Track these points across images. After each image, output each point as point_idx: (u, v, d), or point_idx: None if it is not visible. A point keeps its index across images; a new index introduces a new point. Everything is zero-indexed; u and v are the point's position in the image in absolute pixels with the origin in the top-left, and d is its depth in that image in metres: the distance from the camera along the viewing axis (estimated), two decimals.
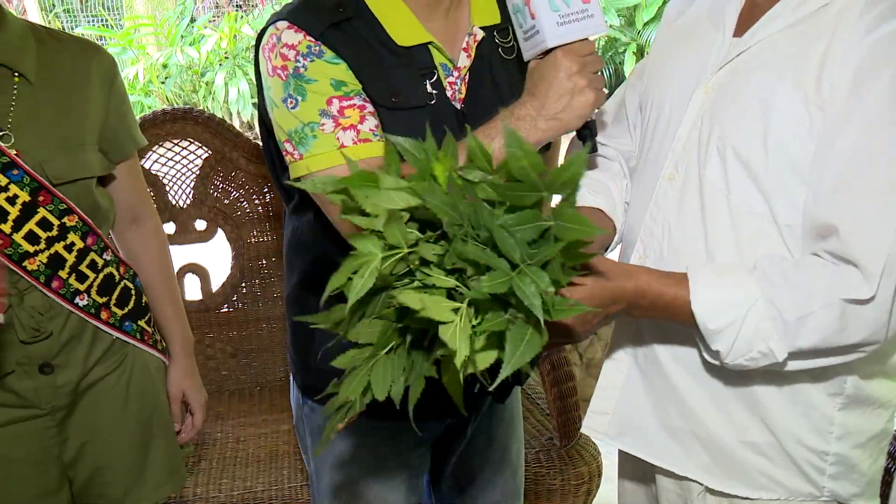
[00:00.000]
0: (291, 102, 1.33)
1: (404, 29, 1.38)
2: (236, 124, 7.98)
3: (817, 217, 1.08)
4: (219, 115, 7.93)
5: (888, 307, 1.04)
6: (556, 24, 1.20)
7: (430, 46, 1.39)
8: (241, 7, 9.05)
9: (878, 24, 1.06)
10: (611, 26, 7.35)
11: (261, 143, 1.56)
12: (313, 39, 1.33)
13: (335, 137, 1.31)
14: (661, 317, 1.12)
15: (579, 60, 1.22)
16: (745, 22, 1.22)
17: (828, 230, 1.06)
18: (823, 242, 1.07)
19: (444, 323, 0.84)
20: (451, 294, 0.88)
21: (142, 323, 1.54)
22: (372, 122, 1.34)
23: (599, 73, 1.26)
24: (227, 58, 8.03)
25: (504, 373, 0.82)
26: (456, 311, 0.85)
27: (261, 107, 1.47)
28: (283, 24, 1.35)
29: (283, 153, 1.37)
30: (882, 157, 1.04)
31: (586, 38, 1.22)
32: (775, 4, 1.17)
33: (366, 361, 0.94)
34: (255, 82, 1.47)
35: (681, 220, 1.22)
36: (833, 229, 1.05)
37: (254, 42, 6.84)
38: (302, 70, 1.33)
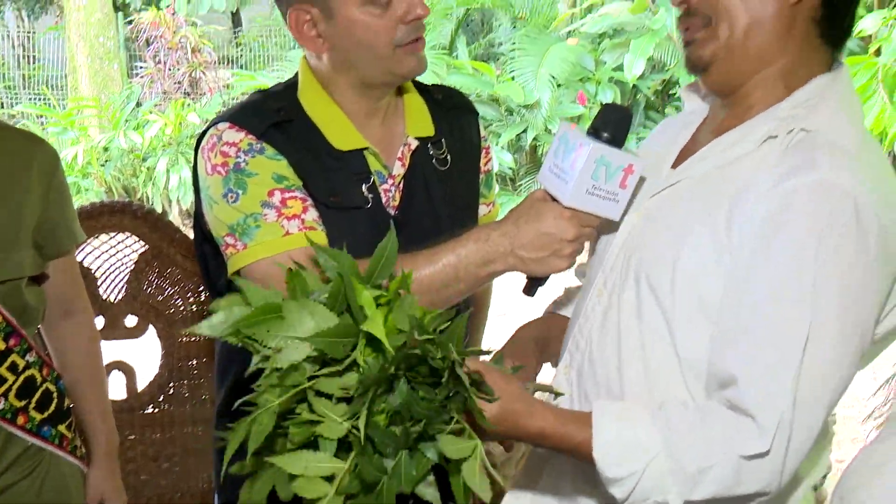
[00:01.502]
0: (232, 196, 1.35)
1: (341, 134, 1.42)
2: (176, 212, 7.91)
3: (719, 365, 1.11)
4: (159, 201, 7.92)
5: (781, 460, 1.06)
6: (584, 191, 1.17)
7: (365, 153, 1.43)
8: (189, 95, 9.10)
9: (787, 177, 1.10)
10: (554, 133, 7.57)
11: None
12: (255, 138, 1.38)
13: (279, 225, 1.33)
14: (565, 454, 1.14)
15: (579, 231, 1.22)
16: (684, 156, 1.27)
17: (728, 380, 1.09)
18: (724, 391, 1.10)
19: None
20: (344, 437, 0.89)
21: (62, 428, 1.48)
22: (314, 214, 1.37)
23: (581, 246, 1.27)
24: (170, 144, 8.02)
25: None
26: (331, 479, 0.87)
27: (196, 212, 1.48)
28: (224, 125, 1.40)
29: (224, 248, 1.37)
30: (780, 313, 1.08)
31: (598, 216, 1.21)
32: (706, 145, 1.23)
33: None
34: (192, 186, 1.48)
35: (601, 337, 1.24)
36: (733, 379, 1.08)
37: (199, 131, 6.91)
38: (243, 165, 1.36)
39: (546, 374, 1.36)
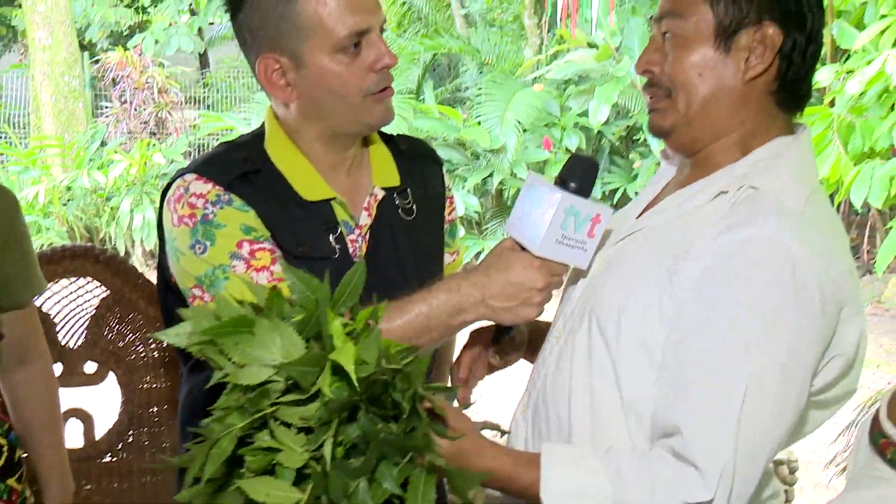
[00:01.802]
0: (200, 248, 1.35)
1: (309, 184, 1.43)
2: (139, 252, 7.83)
3: (664, 414, 1.15)
4: (122, 241, 7.83)
5: None
6: (554, 240, 1.19)
7: (333, 202, 1.44)
8: (154, 134, 9.07)
9: (726, 232, 1.15)
10: (519, 178, 7.65)
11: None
12: (222, 189, 1.37)
13: (249, 277, 1.33)
14: (514, 496, 1.17)
15: (548, 280, 1.24)
16: (649, 208, 1.33)
17: (673, 429, 1.13)
18: (669, 439, 1.13)
19: None
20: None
21: (11, 482, 1.45)
22: (283, 265, 1.36)
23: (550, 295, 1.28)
24: (135, 184, 7.96)
25: None
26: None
27: (160, 263, 1.47)
28: (190, 177, 1.40)
29: (191, 299, 1.37)
30: (720, 365, 1.12)
31: (567, 265, 1.23)
32: (665, 199, 1.29)
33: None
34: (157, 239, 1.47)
35: (555, 378, 1.27)
36: (677, 429, 1.12)
37: (164, 171, 6.83)
38: (211, 216, 1.36)
39: (507, 408, 1.38)
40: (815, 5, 1.23)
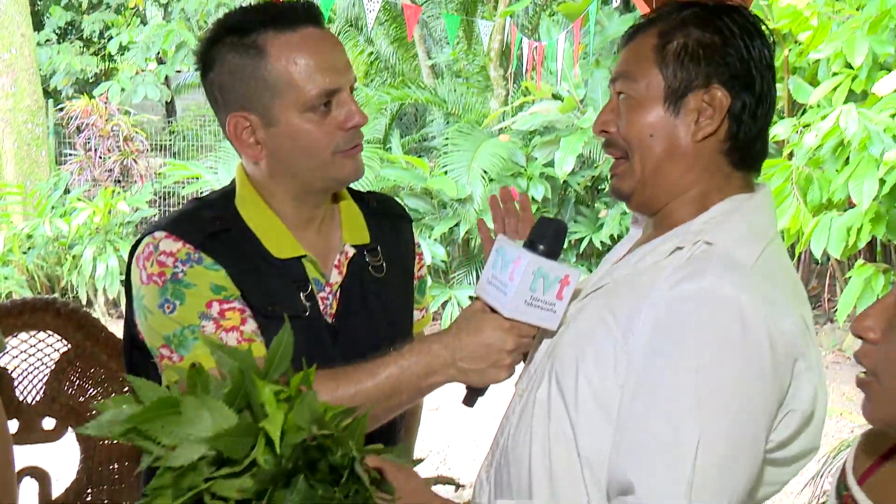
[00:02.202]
0: (169, 307, 1.34)
1: (279, 242, 1.43)
2: (102, 301, 7.71)
3: (618, 472, 1.14)
4: (84, 290, 7.71)
5: None
6: (523, 302, 1.20)
7: (303, 260, 1.44)
8: (119, 182, 9.00)
9: (677, 284, 1.17)
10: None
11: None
12: (193, 247, 1.37)
13: (218, 338, 1.32)
14: None
15: (518, 341, 1.24)
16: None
17: (627, 486, 1.13)
18: (624, 497, 1.13)
19: None
20: None
21: None
22: (253, 325, 1.36)
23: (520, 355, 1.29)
24: (98, 232, 7.87)
25: None
26: None
27: (127, 319, 1.45)
28: (160, 234, 1.39)
29: (159, 358, 1.36)
30: (671, 422, 1.12)
31: (536, 326, 1.24)
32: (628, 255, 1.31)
33: None
34: (125, 294, 1.45)
35: (516, 435, 1.28)
36: (631, 487, 1.12)
37: (129, 219, 6.73)
38: (181, 275, 1.35)
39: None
40: (765, 68, 1.26)
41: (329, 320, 1.45)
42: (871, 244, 5.65)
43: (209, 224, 1.41)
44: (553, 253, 1.21)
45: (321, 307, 1.44)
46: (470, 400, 1.31)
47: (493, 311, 1.23)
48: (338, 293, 1.46)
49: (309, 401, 0.91)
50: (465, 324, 1.26)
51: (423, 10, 8.41)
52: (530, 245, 1.21)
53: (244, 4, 1.48)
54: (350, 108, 1.38)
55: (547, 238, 1.22)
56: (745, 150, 1.27)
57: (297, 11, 1.38)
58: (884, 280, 4.97)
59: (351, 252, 1.48)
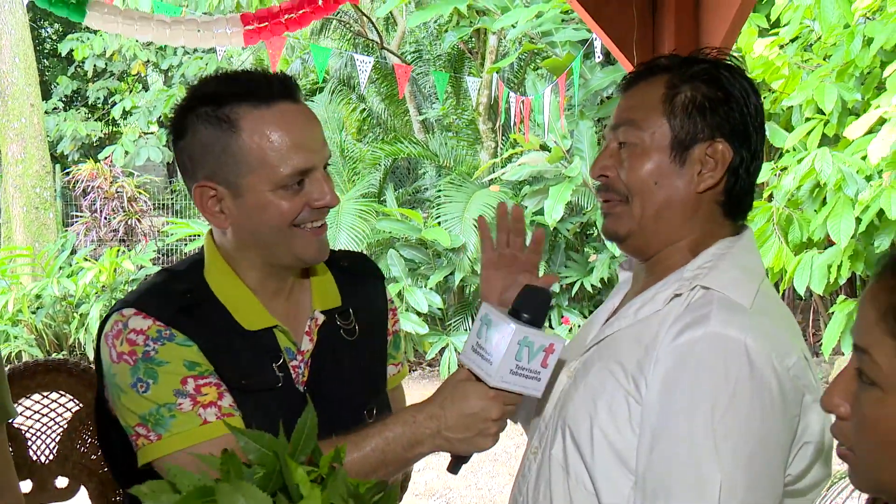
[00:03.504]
0: (142, 386, 1.28)
1: (249, 314, 1.37)
2: None
3: None
4: (91, 348, 7.66)
5: None
6: (508, 371, 1.17)
7: (275, 330, 1.37)
8: (124, 241, 9.01)
9: (682, 333, 1.17)
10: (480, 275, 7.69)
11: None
12: (163, 324, 1.30)
13: (196, 414, 1.27)
14: None
15: (503, 409, 1.21)
16: (612, 316, 1.33)
17: None
18: None
19: None
20: None
21: None
22: (229, 399, 1.31)
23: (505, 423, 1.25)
24: (104, 291, 7.86)
25: None
26: None
27: (99, 396, 1.39)
28: (129, 311, 1.32)
29: (134, 437, 1.30)
30: (692, 465, 1.11)
31: (521, 395, 1.21)
32: (624, 307, 1.30)
33: None
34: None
35: (535, 493, 1.26)
36: None
37: (133, 277, 6.66)
38: (152, 353, 1.29)
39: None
40: (759, 126, 1.28)
41: (301, 388, 1.39)
42: (851, 280, 5.68)
43: (179, 298, 1.34)
44: (537, 322, 1.18)
45: (294, 376, 1.38)
46: (454, 467, 1.27)
47: (478, 379, 1.20)
48: (309, 361, 1.40)
49: (341, 478, 0.90)
50: (450, 393, 1.22)
51: (412, 69, 8.52)
52: (515, 314, 1.18)
53: (219, 73, 1.38)
54: (322, 188, 1.32)
55: (531, 307, 1.19)
56: (738, 202, 1.28)
57: (273, 85, 1.31)
58: None
59: (321, 318, 1.42)
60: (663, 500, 1.12)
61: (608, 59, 7.16)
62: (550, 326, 7.48)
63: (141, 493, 0.90)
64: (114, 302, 7.61)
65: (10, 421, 2.10)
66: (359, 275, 1.53)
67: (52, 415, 2.24)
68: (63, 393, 2.25)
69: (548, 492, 1.23)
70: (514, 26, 7.35)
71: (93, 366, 2.33)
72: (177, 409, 1.27)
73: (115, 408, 1.33)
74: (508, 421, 1.29)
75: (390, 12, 8.98)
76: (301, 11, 3.01)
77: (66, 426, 2.24)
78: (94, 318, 7.63)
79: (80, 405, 2.26)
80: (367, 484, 0.93)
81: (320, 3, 3.05)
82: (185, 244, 8.99)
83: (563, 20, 7.50)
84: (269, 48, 4.92)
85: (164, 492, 0.89)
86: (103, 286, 7.87)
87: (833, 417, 0.96)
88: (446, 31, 9.24)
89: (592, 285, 7.44)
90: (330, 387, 1.41)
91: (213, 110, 1.30)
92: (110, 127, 12.12)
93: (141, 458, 1.28)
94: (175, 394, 1.27)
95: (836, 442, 0.95)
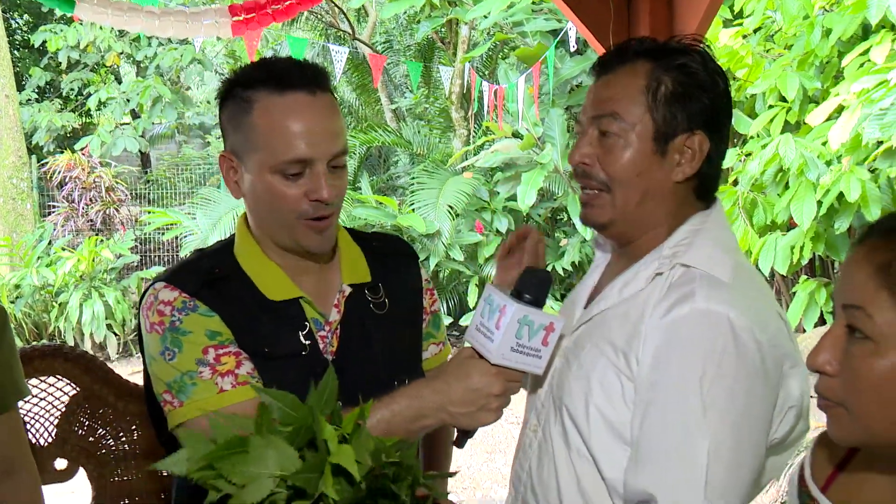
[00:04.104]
0: (169, 354, 1.34)
1: (275, 286, 1.42)
2: (88, 346, 7.60)
3: (636, 485, 1.18)
4: (71, 336, 7.59)
5: None
6: (509, 349, 1.19)
7: (301, 301, 1.42)
8: (101, 231, 8.91)
9: (669, 311, 1.20)
10: (454, 259, 7.72)
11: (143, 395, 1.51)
12: (188, 296, 1.37)
13: (213, 383, 1.31)
14: None
15: (505, 385, 1.24)
16: (593, 298, 1.37)
17: (648, 497, 1.16)
18: None
19: None
20: None
21: None
22: (248, 367, 1.35)
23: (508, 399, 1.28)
24: (83, 280, 7.77)
25: None
26: None
27: (144, 368, 1.45)
28: (160, 285, 1.40)
29: (163, 404, 1.35)
30: (678, 435, 1.16)
31: (522, 371, 1.23)
32: (606, 287, 1.33)
33: None
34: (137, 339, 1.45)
35: (539, 468, 1.29)
36: (652, 497, 1.16)
37: (112, 265, 6.65)
38: (178, 323, 1.35)
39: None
40: (729, 112, 1.31)
41: (330, 357, 1.43)
42: (812, 261, 5.79)
43: (206, 273, 1.40)
44: (538, 302, 1.21)
45: (321, 345, 1.42)
46: (461, 441, 1.30)
47: (482, 357, 1.23)
48: (337, 331, 1.44)
49: (366, 435, 0.93)
50: (454, 370, 1.25)
51: (386, 59, 8.49)
52: (517, 295, 1.21)
53: (261, 59, 1.44)
54: (319, 182, 1.34)
55: (532, 287, 1.21)
56: (709, 184, 1.32)
57: (293, 75, 1.36)
58: (825, 293, 5.10)
59: (348, 291, 1.46)
60: (653, 465, 1.16)
61: (579, 50, 7.20)
62: None
63: (182, 437, 0.93)
64: (93, 291, 7.52)
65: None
66: (391, 254, 1.57)
67: (50, 398, 2.24)
68: (60, 377, 2.24)
69: (552, 466, 1.27)
70: (486, 16, 7.35)
71: (89, 351, 2.33)
72: (197, 377, 1.32)
73: (151, 375, 1.38)
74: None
75: (362, 4, 8.94)
76: (287, 2, 3.01)
77: (63, 409, 2.24)
78: (74, 306, 7.55)
79: (77, 389, 2.26)
80: (390, 441, 0.96)
81: None
82: (163, 233, 8.91)
83: (533, 10, 7.52)
84: (245, 39, 4.89)
85: (200, 442, 0.91)
86: (82, 275, 7.78)
87: (812, 383, 1.00)
88: (418, 21, 9.21)
89: (564, 268, 7.50)
90: (358, 358, 1.44)
91: (241, 90, 1.38)
92: (84, 118, 11.93)
93: (170, 423, 1.34)
94: (197, 362, 1.32)
95: (817, 399, 0.99)
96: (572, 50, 6.87)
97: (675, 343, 1.18)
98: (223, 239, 1.52)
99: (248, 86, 1.37)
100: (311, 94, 1.36)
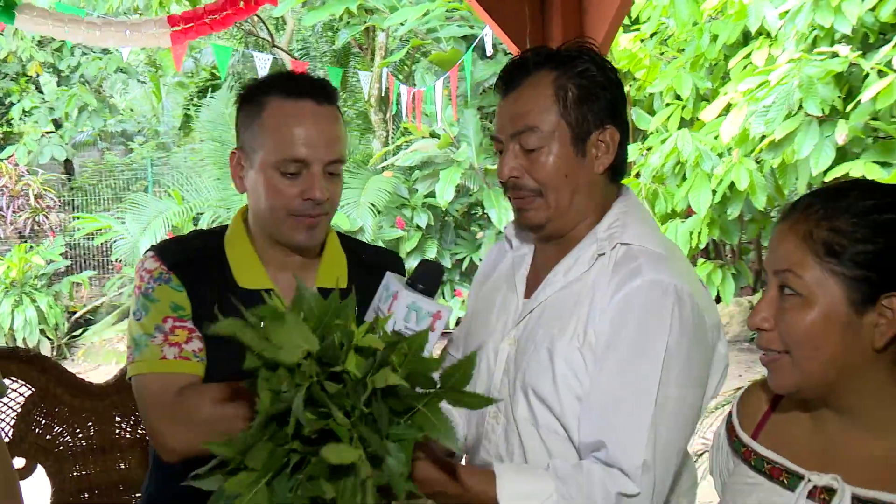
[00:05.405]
0: (138, 315, 1.43)
1: (249, 274, 1.46)
2: None
3: (590, 434, 1.24)
4: (3, 341, 7.26)
5: (650, 496, 1.21)
6: (401, 318, 1.22)
7: (269, 293, 1.42)
8: (28, 238, 8.54)
9: (621, 286, 1.26)
10: None
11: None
12: (166, 268, 1.44)
13: (160, 349, 1.39)
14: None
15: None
16: (532, 286, 1.41)
17: (599, 444, 1.22)
18: (597, 452, 1.23)
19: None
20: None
21: None
22: (197, 345, 1.41)
23: None
24: (14, 286, 7.45)
25: None
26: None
27: None
28: (150, 254, 1.48)
29: (127, 355, 1.45)
30: (630, 387, 1.22)
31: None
32: (549, 272, 1.37)
33: (248, 488, 0.96)
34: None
35: (507, 449, 1.34)
36: (602, 444, 1.22)
37: (43, 272, 6.45)
38: (150, 291, 1.43)
39: None
40: (625, 101, 1.37)
41: None
42: (708, 245, 6.03)
43: (190, 251, 1.46)
44: (429, 291, 1.23)
45: None
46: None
47: None
48: None
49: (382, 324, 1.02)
50: None
51: (308, 65, 8.41)
52: (411, 284, 1.24)
53: (283, 70, 1.52)
54: (313, 183, 1.39)
55: (424, 278, 1.24)
56: (622, 168, 1.39)
57: (305, 85, 1.42)
58: (721, 273, 5.33)
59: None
60: (605, 418, 1.22)
61: (491, 54, 7.30)
62: (444, 298, 7.60)
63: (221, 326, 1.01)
64: (24, 297, 7.19)
65: None
66: (375, 268, 1.53)
67: (6, 399, 2.17)
68: (15, 379, 2.18)
69: (521, 447, 1.30)
70: (402, 24, 7.36)
71: (41, 352, 2.27)
72: (150, 340, 1.40)
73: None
74: None
75: (281, 14, 8.82)
76: (224, 13, 2.98)
77: (19, 409, 2.18)
78: (6, 312, 7.23)
79: (33, 389, 2.20)
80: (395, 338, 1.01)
81: (241, 4, 3.02)
82: (93, 238, 8.61)
83: (447, 17, 7.57)
84: (172, 49, 4.80)
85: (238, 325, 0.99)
86: (12, 282, 7.45)
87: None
88: (336, 30, 9.15)
89: (480, 259, 7.59)
90: None
91: (258, 94, 1.44)
92: (3, 127, 11.39)
93: (128, 373, 1.43)
94: (155, 328, 1.40)
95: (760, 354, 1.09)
96: (488, 54, 6.95)
97: (629, 311, 1.24)
98: (222, 225, 1.56)
99: (265, 91, 1.44)
100: (318, 103, 1.41)
